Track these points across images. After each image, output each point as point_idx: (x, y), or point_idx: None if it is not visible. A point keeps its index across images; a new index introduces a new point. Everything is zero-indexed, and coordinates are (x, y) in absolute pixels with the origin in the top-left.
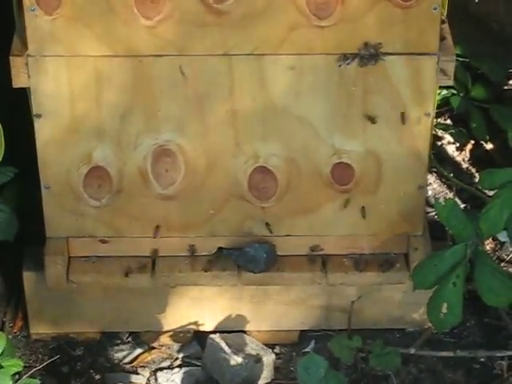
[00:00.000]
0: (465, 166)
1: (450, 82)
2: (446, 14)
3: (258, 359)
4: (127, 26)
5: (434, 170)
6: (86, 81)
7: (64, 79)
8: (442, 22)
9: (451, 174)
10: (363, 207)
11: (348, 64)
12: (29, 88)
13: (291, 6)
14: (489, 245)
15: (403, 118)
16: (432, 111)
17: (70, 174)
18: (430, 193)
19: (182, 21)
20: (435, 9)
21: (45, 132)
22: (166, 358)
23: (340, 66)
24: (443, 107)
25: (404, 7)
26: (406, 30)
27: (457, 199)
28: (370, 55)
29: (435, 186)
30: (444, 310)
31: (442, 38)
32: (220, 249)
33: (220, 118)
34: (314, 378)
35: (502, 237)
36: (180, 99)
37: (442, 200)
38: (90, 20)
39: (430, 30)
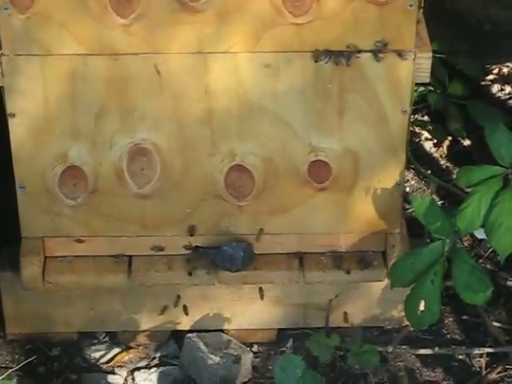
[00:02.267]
0: (442, 162)
1: (427, 79)
2: (422, 10)
3: (237, 359)
4: (102, 24)
5: (412, 166)
6: (61, 80)
7: (38, 78)
8: (418, 18)
9: (429, 171)
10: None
11: (326, 62)
12: (3, 87)
13: (267, 3)
14: (466, 241)
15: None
16: (409, 108)
17: (45, 174)
18: (407, 190)
19: (156, 19)
20: (411, 5)
21: (19, 131)
22: (144, 358)
23: (316, 61)
24: (420, 104)
25: (380, 4)
26: (381, 27)
27: (434, 196)
28: (345, 53)
29: (413, 182)
30: (422, 307)
31: (419, 35)
32: (197, 247)
33: (196, 116)
34: (291, 378)
35: (479, 234)
36: (155, 98)
37: (419, 197)
38: (64, 18)
39: (406, 27)
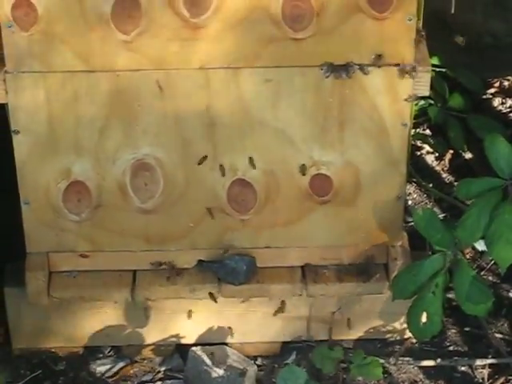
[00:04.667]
0: (444, 175)
1: (427, 93)
2: (421, 24)
3: (242, 372)
4: (104, 41)
5: (414, 180)
6: (64, 96)
7: (41, 95)
8: (418, 32)
9: (430, 184)
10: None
11: (327, 77)
12: (7, 104)
13: (267, 18)
14: (468, 254)
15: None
16: (409, 121)
17: (49, 190)
18: (409, 203)
19: (158, 35)
20: (410, 20)
21: (23, 148)
22: (148, 372)
23: (327, 76)
24: (421, 117)
25: (379, 19)
26: (381, 41)
27: (436, 209)
28: (344, 67)
29: (415, 196)
30: (424, 319)
31: (418, 49)
32: (200, 261)
33: (198, 131)
34: None
35: (480, 246)
36: (157, 113)
37: (419, 210)
38: (67, 35)
39: (405, 41)
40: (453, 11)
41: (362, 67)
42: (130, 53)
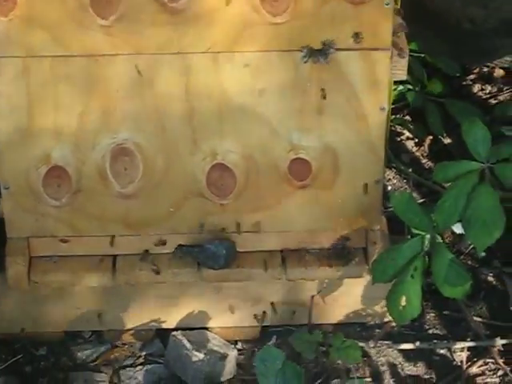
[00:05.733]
0: (424, 160)
1: (404, 77)
2: (399, 8)
3: (222, 356)
4: (83, 25)
5: (393, 165)
6: (43, 81)
7: (21, 80)
8: (396, 16)
9: (410, 169)
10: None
11: (305, 62)
12: None
13: (245, 3)
14: (448, 238)
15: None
16: (387, 105)
17: (29, 175)
18: (389, 188)
19: (136, 20)
20: (387, 4)
21: (3, 133)
22: (129, 356)
23: (305, 61)
24: (400, 102)
25: (356, 3)
26: (358, 26)
27: (415, 194)
28: (322, 51)
29: (394, 181)
30: (403, 302)
31: (396, 33)
32: (180, 246)
33: (177, 116)
34: (271, 370)
35: (458, 229)
36: (136, 98)
37: (397, 193)
38: (46, 20)
39: (383, 26)
40: None
41: (339, 51)
42: (108, 37)
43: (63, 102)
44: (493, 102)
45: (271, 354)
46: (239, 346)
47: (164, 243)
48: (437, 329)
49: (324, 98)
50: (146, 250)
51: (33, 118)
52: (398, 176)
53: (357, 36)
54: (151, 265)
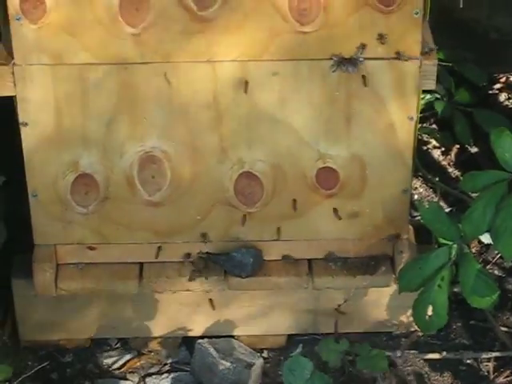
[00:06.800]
0: (450, 170)
1: (433, 87)
2: (428, 18)
3: (248, 365)
4: (112, 33)
5: (420, 174)
6: (72, 89)
7: (50, 88)
8: (425, 26)
9: (437, 179)
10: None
11: (334, 71)
12: (15, 96)
13: (274, 12)
14: (474, 248)
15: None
16: (415, 115)
17: (57, 182)
18: (415, 197)
19: (166, 28)
20: (416, 13)
21: (31, 140)
22: (155, 364)
23: (334, 70)
24: (428, 112)
25: (385, 12)
26: (387, 35)
27: (442, 203)
28: (351, 60)
29: (421, 190)
30: (430, 312)
31: (425, 43)
32: (207, 254)
33: (205, 124)
34: (299, 380)
35: (486, 239)
36: (165, 106)
37: (425, 203)
38: (75, 28)
39: (412, 35)
40: (461, 5)
41: (368, 60)
42: (137, 46)
43: (91, 110)
44: None
45: (299, 363)
46: (265, 354)
47: (188, 254)
48: (463, 339)
49: (365, 85)
50: (188, 254)
51: (61, 126)
52: (424, 185)
53: (385, 45)
54: (178, 272)
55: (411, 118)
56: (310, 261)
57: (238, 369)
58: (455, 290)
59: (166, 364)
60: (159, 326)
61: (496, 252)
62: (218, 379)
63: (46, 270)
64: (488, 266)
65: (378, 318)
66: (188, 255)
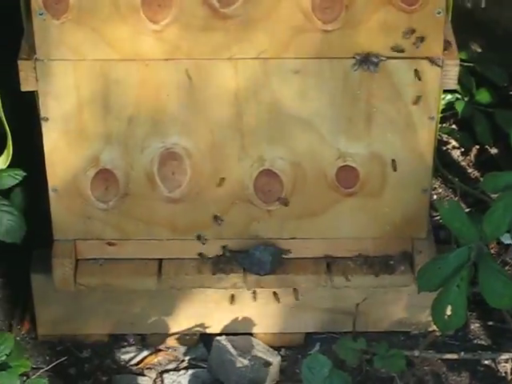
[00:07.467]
0: (470, 170)
1: (454, 86)
2: (450, 18)
3: (266, 363)
4: (134, 29)
5: (439, 174)
6: (94, 84)
7: (71, 83)
8: (447, 26)
9: (456, 179)
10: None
11: (355, 70)
12: (37, 91)
13: (296, 10)
14: (493, 248)
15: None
16: (436, 115)
17: (77, 177)
18: (435, 197)
19: (188, 25)
20: (439, 13)
21: (52, 135)
22: (173, 360)
23: (356, 69)
24: (448, 112)
25: (408, 11)
26: (410, 34)
27: (462, 203)
28: (372, 59)
29: (440, 190)
30: (448, 312)
31: (447, 42)
32: (226, 251)
33: (226, 121)
34: (318, 378)
35: (506, 239)
36: (186, 103)
37: (445, 202)
38: (98, 24)
39: (434, 34)
40: (483, 5)
41: (390, 60)
42: (159, 42)
43: (113, 106)
44: None
45: (318, 361)
46: (283, 352)
47: (208, 251)
48: (481, 339)
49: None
50: (200, 253)
51: (82, 121)
52: (443, 185)
53: (408, 47)
54: (196, 269)
55: (432, 118)
56: (328, 259)
57: (256, 366)
58: (473, 290)
59: (183, 361)
60: (177, 323)
61: None
62: (235, 376)
63: (65, 266)
64: (507, 267)
65: (396, 317)
66: (207, 252)
